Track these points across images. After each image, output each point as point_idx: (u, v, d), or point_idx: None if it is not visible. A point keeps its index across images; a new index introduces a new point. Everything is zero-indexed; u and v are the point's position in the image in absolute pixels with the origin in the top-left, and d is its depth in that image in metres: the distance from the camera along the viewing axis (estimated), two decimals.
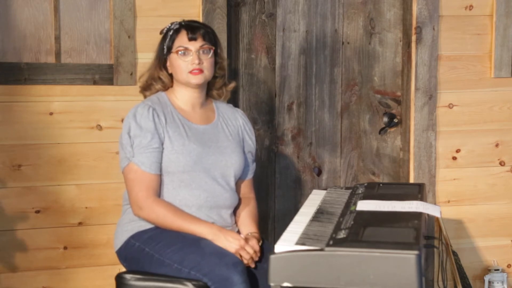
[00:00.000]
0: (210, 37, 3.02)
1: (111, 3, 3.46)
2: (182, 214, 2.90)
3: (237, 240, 2.85)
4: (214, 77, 3.08)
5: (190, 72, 2.97)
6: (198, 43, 2.98)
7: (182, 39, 2.99)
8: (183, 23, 3.04)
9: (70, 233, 3.50)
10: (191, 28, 3.01)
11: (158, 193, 2.93)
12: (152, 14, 3.50)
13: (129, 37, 3.48)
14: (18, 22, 3.41)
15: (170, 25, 3.05)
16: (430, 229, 3.87)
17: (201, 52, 2.99)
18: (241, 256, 2.83)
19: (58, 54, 3.46)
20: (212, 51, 3.01)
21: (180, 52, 2.98)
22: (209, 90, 3.12)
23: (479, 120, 3.96)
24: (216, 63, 3.06)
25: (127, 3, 3.46)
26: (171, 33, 3.02)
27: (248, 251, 2.84)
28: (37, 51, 3.45)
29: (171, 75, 3.05)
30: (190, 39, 2.98)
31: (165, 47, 3.02)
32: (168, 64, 3.04)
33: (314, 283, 2.33)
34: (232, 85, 3.19)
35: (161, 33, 3.07)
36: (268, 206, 3.85)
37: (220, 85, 3.13)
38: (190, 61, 2.97)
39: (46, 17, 3.44)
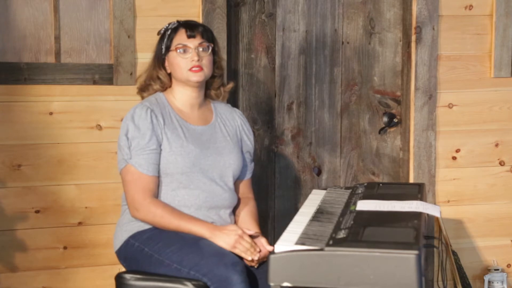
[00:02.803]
0: (208, 35, 3.03)
1: (111, 3, 3.46)
2: (179, 214, 2.90)
3: (234, 231, 2.83)
4: (212, 76, 3.08)
5: (190, 69, 2.97)
6: (197, 40, 2.99)
7: (181, 37, 3.00)
8: (181, 22, 3.05)
9: (70, 233, 3.50)
10: (190, 26, 3.02)
11: (156, 195, 2.93)
12: (152, 14, 3.50)
13: (129, 37, 3.48)
14: (18, 22, 3.41)
15: (167, 25, 3.05)
16: (430, 229, 3.87)
17: (200, 49, 2.99)
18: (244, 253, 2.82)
19: (58, 54, 3.46)
20: (211, 49, 3.02)
21: (179, 50, 2.99)
22: (207, 90, 3.12)
23: (479, 120, 3.96)
24: (215, 62, 3.07)
25: (127, 3, 3.47)
26: (169, 32, 3.02)
27: (246, 241, 2.82)
28: (37, 51, 3.45)
29: (169, 75, 3.06)
30: (189, 37, 2.99)
31: (163, 46, 3.02)
32: (166, 64, 3.04)
33: (314, 283, 2.33)
34: (230, 85, 3.19)
35: (158, 33, 3.07)
36: (268, 206, 3.85)
37: (218, 85, 3.13)
38: (189, 58, 2.97)
39: (46, 17, 3.44)
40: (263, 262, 2.86)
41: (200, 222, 2.90)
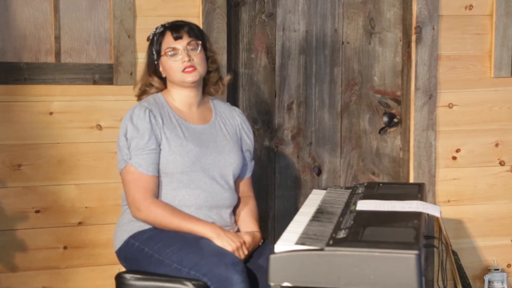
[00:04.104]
0: (195, 32, 3.02)
1: (111, 3, 3.46)
2: (180, 214, 2.91)
3: (236, 238, 2.85)
4: (208, 72, 3.08)
5: (183, 71, 2.97)
6: (185, 40, 2.99)
7: (169, 40, 2.99)
8: (166, 25, 3.04)
9: (70, 233, 3.50)
10: (175, 27, 3.01)
11: (156, 195, 2.94)
12: (152, 14, 3.50)
13: (129, 37, 3.48)
14: (18, 22, 3.41)
15: (154, 30, 3.05)
16: (430, 229, 3.87)
17: (189, 49, 2.99)
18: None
19: (58, 54, 3.46)
20: (200, 46, 3.01)
21: (169, 53, 2.98)
22: (205, 86, 3.12)
23: (479, 120, 3.96)
24: (208, 58, 3.06)
25: (127, 3, 3.46)
26: (156, 37, 3.02)
27: (244, 252, 2.85)
28: (37, 51, 3.45)
29: (164, 79, 3.05)
30: (176, 38, 2.99)
31: (154, 52, 3.02)
32: (161, 68, 3.04)
33: (314, 283, 2.33)
34: (227, 78, 3.19)
35: (148, 39, 3.07)
36: (268, 206, 3.85)
37: (216, 79, 3.13)
38: (180, 60, 2.97)
39: (46, 17, 3.44)
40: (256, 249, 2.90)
41: (201, 222, 2.90)
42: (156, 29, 3.05)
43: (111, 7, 3.46)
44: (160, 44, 3.01)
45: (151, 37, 3.05)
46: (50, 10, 3.44)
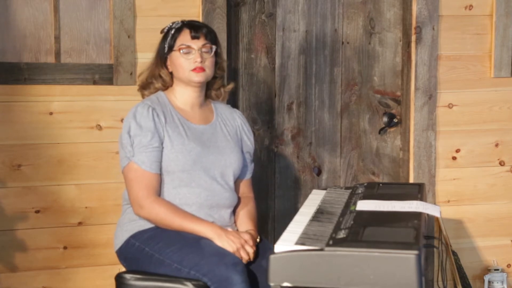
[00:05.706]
0: (212, 36, 3.04)
1: (111, 3, 3.46)
2: (182, 213, 2.91)
3: (237, 239, 2.85)
4: (214, 77, 3.09)
5: (193, 70, 2.98)
6: (201, 41, 3.00)
7: (185, 38, 3.00)
8: (185, 22, 3.05)
9: (70, 233, 3.50)
10: (194, 27, 3.02)
11: (158, 193, 2.94)
12: (152, 14, 3.50)
13: (129, 37, 3.48)
14: (18, 22, 3.41)
15: (171, 24, 3.05)
16: (430, 229, 3.87)
17: (203, 50, 3.00)
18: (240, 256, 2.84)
19: (58, 54, 3.46)
20: (213, 51, 3.02)
21: (182, 50, 2.99)
22: (207, 90, 3.12)
23: (479, 120, 3.96)
24: (216, 64, 3.07)
25: (127, 3, 3.47)
26: (173, 31, 3.03)
27: (248, 251, 2.85)
28: (37, 51, 3.45)
29: (171, 74, 3.06)
30: (193, 38, 2.99)
31: (166, 45, 3.02)
32: (168, 63, 3.04)
33: (314, 283, 2.33)
34: (230, 86, 3.20)
35: (161, 32, 3.07)
36: (268, 206, 3.85)
37: (219, 85, 3.14)
38: (192, 59, 2.98)
39: (46, 17, 3.44)
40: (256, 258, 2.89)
41: (203, 222, 2.90)
42: (173, 23, 3.05)
43: (111, 7, 3.46)
44: (175, 39, 3.01)
45: (166, 30, 3.05)
46: (50, 10, 3.44)
